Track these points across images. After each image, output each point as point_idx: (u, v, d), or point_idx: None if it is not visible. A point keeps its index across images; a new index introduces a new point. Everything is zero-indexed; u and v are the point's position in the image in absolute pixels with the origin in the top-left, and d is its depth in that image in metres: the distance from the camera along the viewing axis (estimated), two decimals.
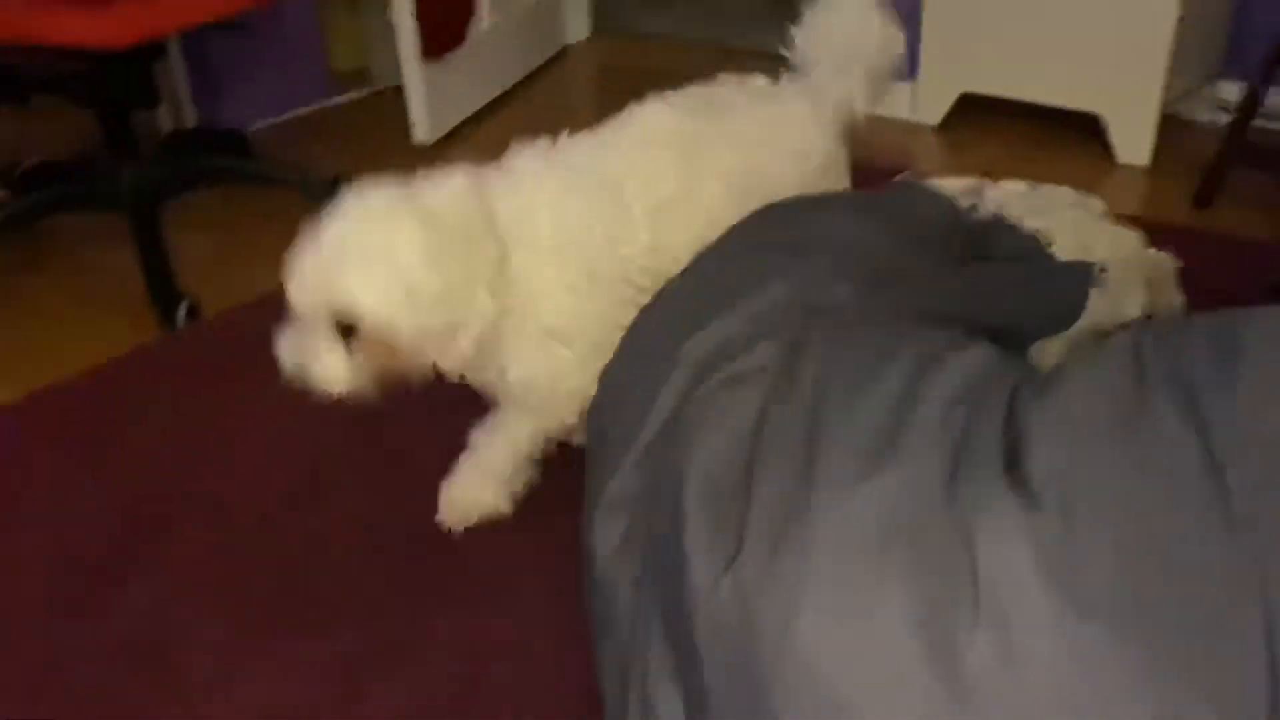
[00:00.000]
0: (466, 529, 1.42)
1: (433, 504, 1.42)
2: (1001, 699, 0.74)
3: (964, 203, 1.43)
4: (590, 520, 1.04)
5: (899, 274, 1.16)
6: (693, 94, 1.51)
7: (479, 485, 1.42)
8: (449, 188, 1.24)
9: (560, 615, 1.23)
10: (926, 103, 2.73)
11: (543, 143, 1.38)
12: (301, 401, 1.28)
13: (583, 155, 1.37)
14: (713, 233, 1.36)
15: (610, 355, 1.30)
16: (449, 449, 1.44)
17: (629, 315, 1.32)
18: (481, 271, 1.22)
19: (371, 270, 1.16)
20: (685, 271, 1.25)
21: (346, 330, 1.18)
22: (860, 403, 0.89)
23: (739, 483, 0.88)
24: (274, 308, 1.24)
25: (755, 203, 1.40)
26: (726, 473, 0.90)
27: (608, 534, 1.00)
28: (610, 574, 0.99)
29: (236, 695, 1.19)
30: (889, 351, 0.94)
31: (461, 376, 1.32)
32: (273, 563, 1.37)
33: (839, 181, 1.61)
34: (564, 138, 1.39)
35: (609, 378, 1.19)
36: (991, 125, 2.70)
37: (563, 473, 1.41)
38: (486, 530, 1.41)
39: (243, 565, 1.37)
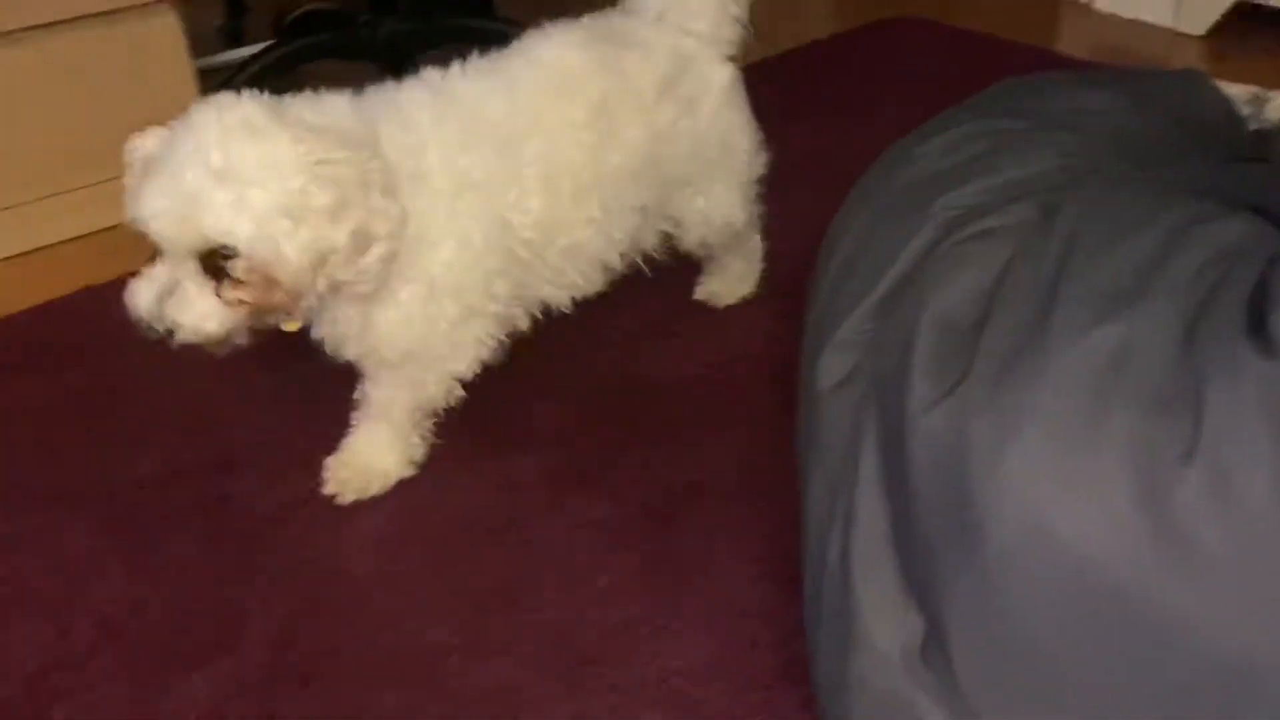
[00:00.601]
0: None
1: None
2: (1209, 536, 0.75)
3: (1244, 110, 1.36)
4: (815, 359, 1.07)
5: (1177, 159, 1.13)
6: (592, 26, 1.39)
7: (370, 453, 1.39)
8: (327, 103, 1.17)
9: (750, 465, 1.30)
10: (1192, 9, 2.55)
11: (431, 73, 1.28)
12: None
13: (479, 97, 1.26)
14: (607, 214, 1.34)
15: (478, 331, 1.29)
16: None
17: (503, 287, 1.28)
18: (375, 180, 1.11)
19: (246, 191, 1.03)
20: (928, 135, 1.24)
21: (215, 268, 1.07)
22: (1109, 258, 0.89)
23: (974, 323, 0.90)
24: None
25: (655, 175, 1.39)
26: (962, 314, 0.91)
27: (832, 371, 1.03)
28: (830, 405, 1.02)
29: (447, 505, 1.32)
30: (1149, 216, 0.93)
31: (308, 333, 1.26)
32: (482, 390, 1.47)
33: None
34: (455, 67, 1.28)
35: (846, 232, 1.20)
36: (1268, 41, 2.50)
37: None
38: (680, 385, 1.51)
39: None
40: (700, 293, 1.76)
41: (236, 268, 1.07)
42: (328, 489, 1.38)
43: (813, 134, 2.20)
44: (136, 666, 1.21)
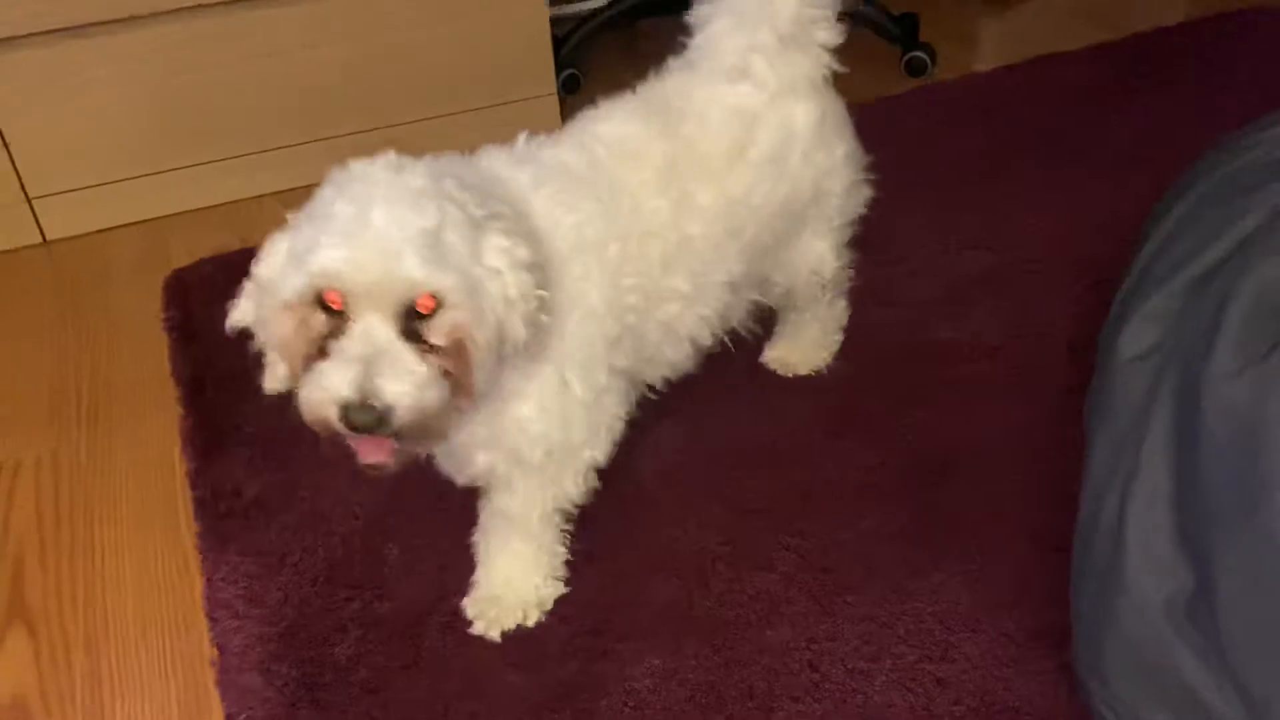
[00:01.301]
0: None
1: None
2: None
3: None
4: (1119, 328, 1.09)
5: None
6: (646, 96, 1.29)
7: (516, 580, 1.26)
8: (474, 166, 1.10)
9: None
10: None
11: (499, 148, 1.18)
12: None
13: (561, 160, 1.17)
14: (696, 289, 1.23)
15: (611, 408, 1.19)
16: None
17: (621, 358, 1.19)
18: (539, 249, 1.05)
19: (447, 236, 0.96)
20: (1267, 126, 1.20)
21: (411, 332, 0.96)
22: None
23: None
24: None
25: (741, 247, 1.27)
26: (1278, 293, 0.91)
27: (1136, 340, 1.05)
28: (1128, 373, 1.04)
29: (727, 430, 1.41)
30: None
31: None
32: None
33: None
34: (521, 139, 1.19)
35: (1168, 212, 1.19)
36: None
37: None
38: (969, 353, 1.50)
39: None
40: (767, 356, 1.60)
41: (436, 327, 0.96)
42: (475, 629, 1.26)
43: (1145, 120, 2.13)
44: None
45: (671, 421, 1.51)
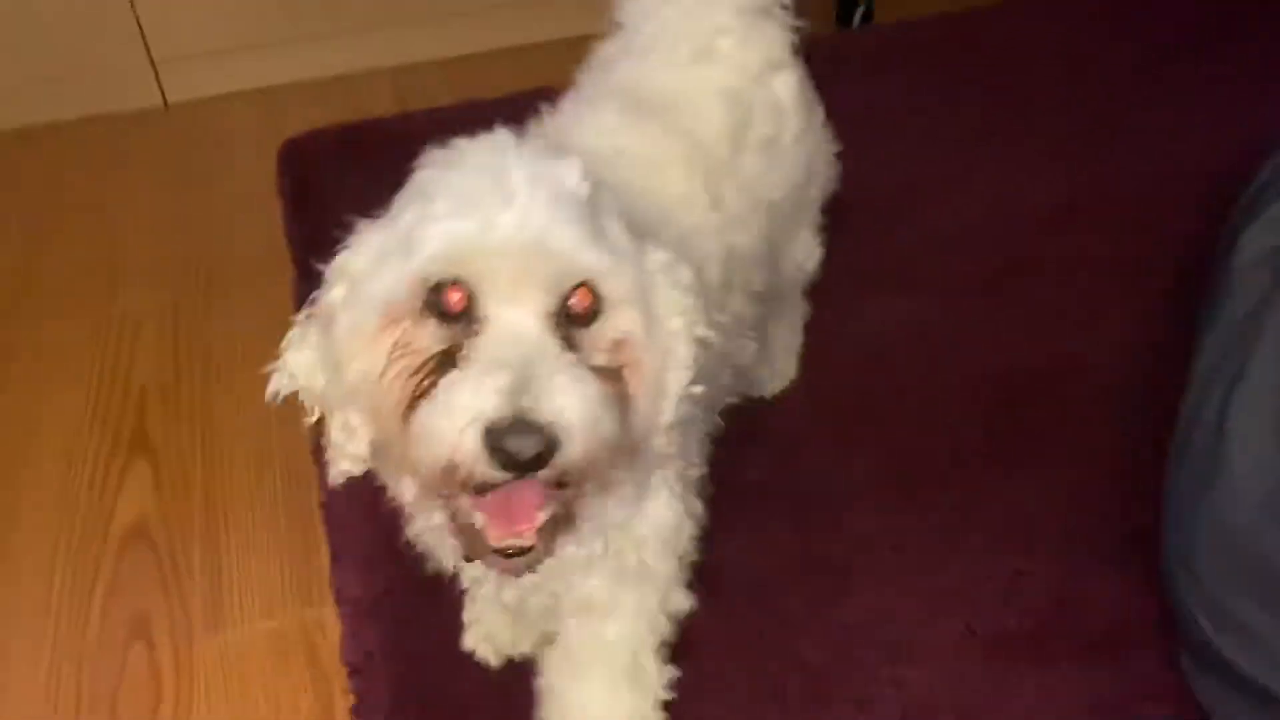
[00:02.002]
0: None
1: None
2: None
3: None
4: (1237, 235, 1.08)
5: None
6: (618, 95, 1.03)
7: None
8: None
9: None
10: None
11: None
12: None
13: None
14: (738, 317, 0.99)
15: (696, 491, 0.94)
16: None
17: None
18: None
19: (608, 224, 0.72)
20: None
21: (568, 338, 0.70)
22: None
23: None
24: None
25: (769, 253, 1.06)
26: None
27: (1254, 245, 1.05)
28: (1241, 277, 1.03)
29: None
30: None
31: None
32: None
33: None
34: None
35: None
36: None
37: None
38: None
39: None
40: None
41: (597, 337, 0.71)
42: None
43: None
44: None
45: None
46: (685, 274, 0.76)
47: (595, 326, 0.71)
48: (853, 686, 1.11)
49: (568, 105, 1.03)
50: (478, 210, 0.67)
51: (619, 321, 0.71)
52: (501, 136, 0.74)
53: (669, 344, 0.75)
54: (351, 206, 0.83)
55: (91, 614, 1.26)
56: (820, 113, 1.17)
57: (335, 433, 0.76)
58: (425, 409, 0.67)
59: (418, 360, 0.69)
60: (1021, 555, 1.21)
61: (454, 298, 0.68)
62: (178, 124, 2.12)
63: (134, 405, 1.52)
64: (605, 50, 1.12)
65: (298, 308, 0.80)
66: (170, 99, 2.15)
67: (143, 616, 1.26)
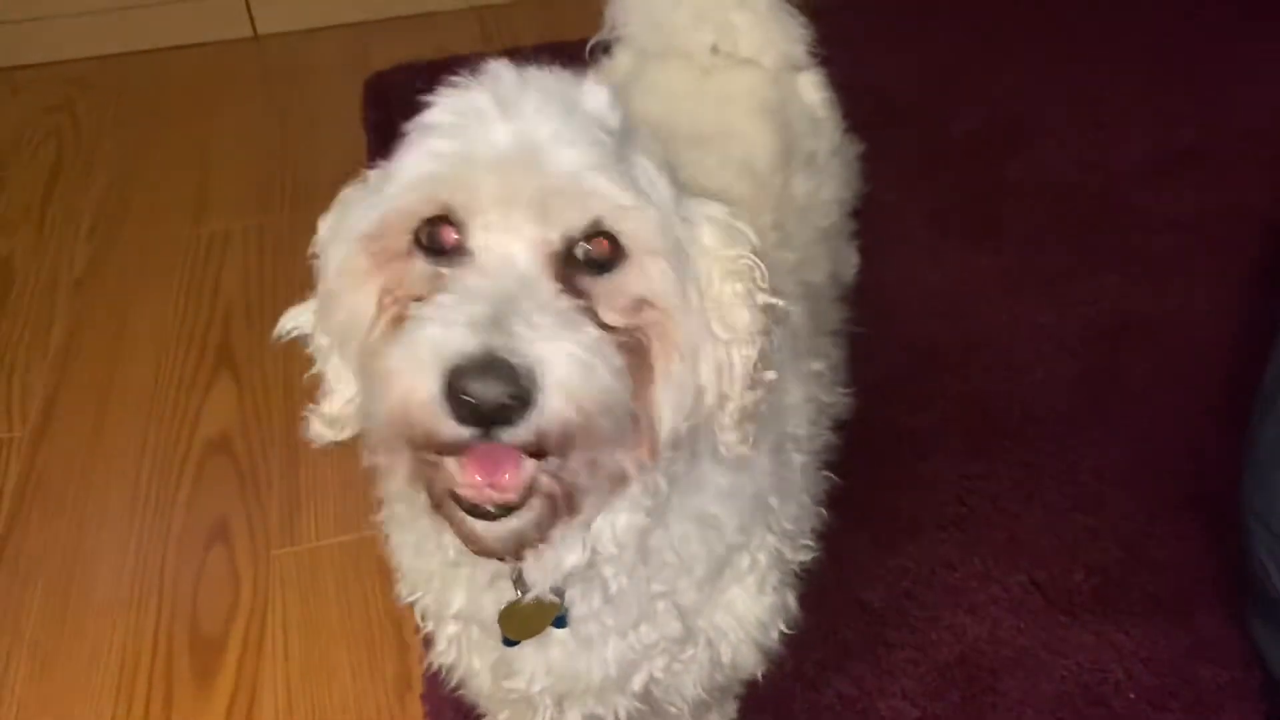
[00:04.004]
0: None
1: None
2: None
3: None
4: None
5: None
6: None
7: None
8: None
9: None
10: None
11: None
12: None
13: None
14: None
15: None
16: None
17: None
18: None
19: (643, 162, 0.60)
20: None
21: (572, 285, 0.57)
22: None
23: None
24: None
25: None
26: None
27: None
28: None
29: None
30: None
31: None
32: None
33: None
34: None
35: None
36: None
37: None
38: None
39: None
40: None
41: (614, 290, 0.58)
42: None
43: None
44: None
45: None
46: (746, 229, 0.62)
47: (611, 276, 0.57)
48: (912, 632, 1.12)
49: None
50: (469, 128, 0.57)
51: (643, 275, 0.57)
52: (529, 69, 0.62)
53: (722, 313, 0.61)
54: None
55: (174, 516, 1.31)
56: (839, 117, 1.09)
57: (323, 385, 0.66)
58: (388, 352, 0.55)
59: (401, 297, 0.58)
60: (1091, 513, 1.21)
61: (441, 231, 0.57)
62: (268, 55, 2.15)
63: (220, 321, 1.56)
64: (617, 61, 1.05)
65: None
66: (260, 30, 2.18)
67: (222, 522, 1.30)
